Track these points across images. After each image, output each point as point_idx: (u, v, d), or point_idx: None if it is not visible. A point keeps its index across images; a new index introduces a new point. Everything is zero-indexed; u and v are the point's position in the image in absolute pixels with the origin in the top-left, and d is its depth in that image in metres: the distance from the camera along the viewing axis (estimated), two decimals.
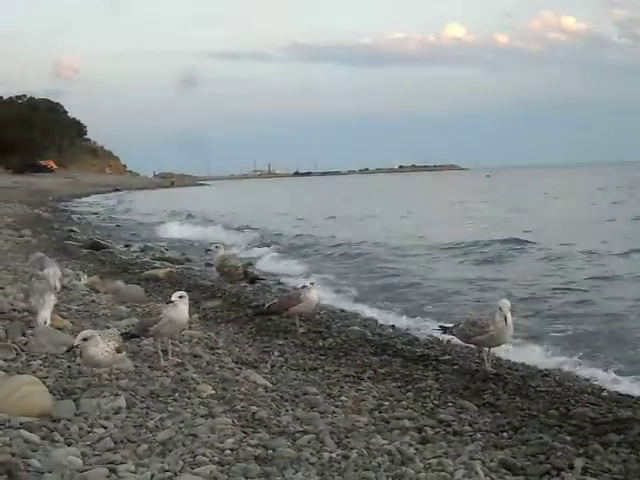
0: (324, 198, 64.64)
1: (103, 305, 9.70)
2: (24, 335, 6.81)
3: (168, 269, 14.93)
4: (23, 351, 6.37)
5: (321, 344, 9.19)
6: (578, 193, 56.35)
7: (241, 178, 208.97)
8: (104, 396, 5.37)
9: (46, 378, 5.63)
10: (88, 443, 4.54)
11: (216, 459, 4.48)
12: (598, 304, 12.56)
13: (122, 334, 6.27)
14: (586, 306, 12.44)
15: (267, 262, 18.63)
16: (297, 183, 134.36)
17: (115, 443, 4.58)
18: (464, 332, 8.05)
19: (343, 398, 6.73)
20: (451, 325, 8.53)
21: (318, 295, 10.04)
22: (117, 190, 78.29)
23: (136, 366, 6.47)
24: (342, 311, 11.89)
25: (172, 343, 7.19)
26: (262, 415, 5.56)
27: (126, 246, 21.51)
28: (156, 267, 15.54)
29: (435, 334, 9.64)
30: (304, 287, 9.69)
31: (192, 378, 6.35)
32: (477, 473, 4.79)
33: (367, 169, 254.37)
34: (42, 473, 3.88)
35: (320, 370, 7.87)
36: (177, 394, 5.82)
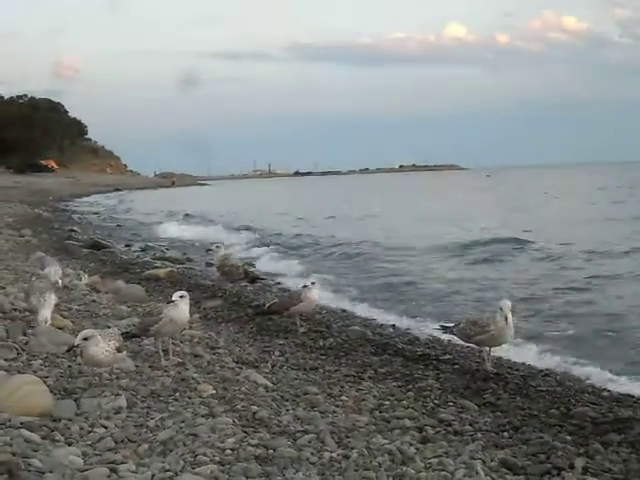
0: (324, 198, 64.65)
1: (104, 305, 9.70)
2: (25, 335, 6.82)
3: (169, 269, 14.94)
4: (24, 350, 6.38)
5: (322, 344, 9.20)
6: (578, 193, 56.36)
7: (241, 178, 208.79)
8: (105, 396, 5.37)
9: (47, 378, 5.63)
10: (89, 443, 4.55)
11: (217, 459, 4.48)
12: (598, 304, 12.57)
13: (123, 334, 6.27)
14: (587, 306, 12.45)
15: (267, 262, 18.64)
16: (297, 183, 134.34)
17: (116, 443, 4.58)
18: (465, 331, 8.05)
19: (344, 398, 6.73)
20: (451, 325, 8.54)
21: (318, 295, 10.04)
22: (118, 190, 78.25)
23: (137, 366, 6.47)
24: (343, 311, 11.91)
25: (173, 343, 7.19)
26: (263, 415, 5.56)
27: (127, 246, 21.53)
28: (157, 267, 15.55)
29: (435, 334, 9.64)
30: (305, 287, 9.69)
31: (193, 378, 6.35)
32: (478, 473, 4.79)
33: (367, 169, 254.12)
34: (43, 473, 3.88)
35: (321, 370, 7.88)
36: (178, 394, 5.82)
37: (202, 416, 5.31)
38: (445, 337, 9.30)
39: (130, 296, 10.81)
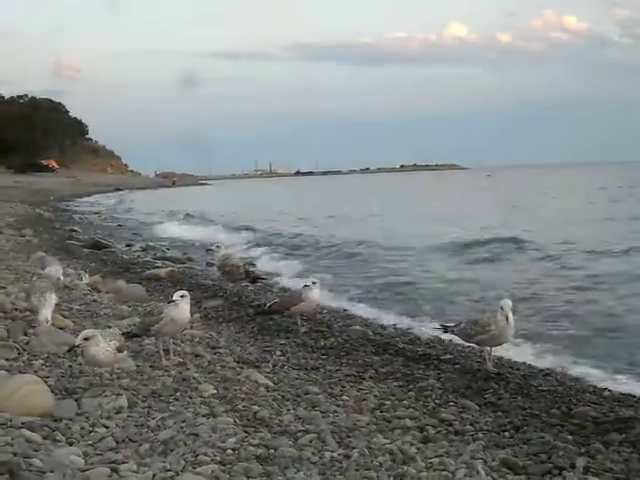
0: (325, 198, 64.63)
1: (105, 304, 9.71)
2: (26, 334, 6.82)
3: (169, 268, 14.94)
4: (25, 350, 6.38)
5: (323, 343, 9.19)
6: (578, 192, 56.31)
7: (242, 178, 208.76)
8: (106, 395, 5.38)
9: (48, 377, 5.63)
10: (90, 442, 4.55)
11: (218, 458, 4.48)
12: (599, 303, 12.56)
13: (124, 333, 6.28)
14: (587, 305, 12.44)
15: (267, 262, 18.64)
16: (298, 182, 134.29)
17: (117, 442, 4.59)
18: (466, 331, 8.05)
19: (345, 397, 6.73)
20: (452, 324, 8.54)
21: (319, 294, 10.04)
22: (119, 190, 78.24)
23: (138, 365, 6.47)
24: (344, 310, 11.91)
25: (174, 342, 7.20)
26: (264, 414, 5.56)
27: (128, 245, 21.54)
28: (157, 266, 15.55)
29: (436, 333, 9.63)
30: (305, 286, 9.68)
31: (194, 377, 6.36)
32: (479, 472, 4.79)
33: (368, 169, 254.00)
34: (44, 473, 3.88)
35: (322, 369, 7.87)
36: (179, 393, 5.83)
37: (203, 416, 5.31)
38: (446, 337, 9.29)
39: (131, 296, 10.81)
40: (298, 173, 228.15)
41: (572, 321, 11.10)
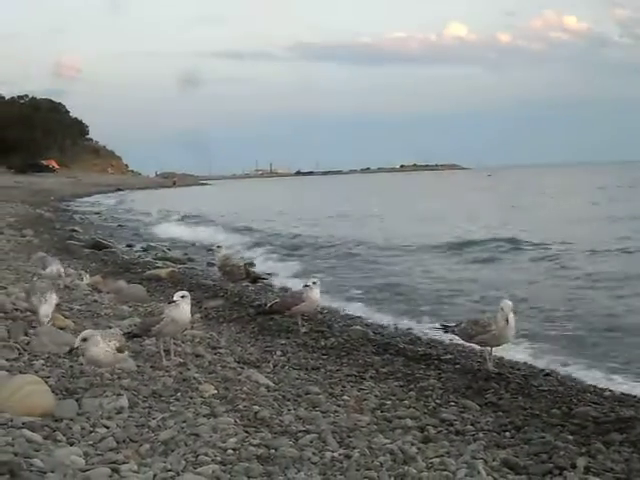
0: (325, 198, 64.64)
1: (105, 305, 9.70)
2: (26, 335, 6.82)
3: (170, 269, 14.94)
4: (25, 351, 6.38)
5: (323, 343, 9.19)
6: (578, 192, 56.33)
7: (243, 178, 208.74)
8: (106, 396, 5.38)
9: (48, 378, 5.63)
10: (90, 443, 4.55)
11: (218, 459, 4.48)
12: (599, 303, 12.56)
13: (124, 334, 6.28)
14: (588, 305, 12.44)
15: (267, 262, 18.65)
16: (299, 182, 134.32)
17: (117, 443, 4.58)
18: (466, 331, 8.05)
19: (345, 397, 6.73)
20: (453, 324, 8.54)
21: (320, 294, 10.03)
22: (119, 190, 78.27)
23: (138, 366, 6.47)
24: (344, 310, 11.90)
25: (174, 343, 7.19)
26: (264, 415, 5.56)
27: (128, 246, 21.55)
28: (158, 267, 15.56)
29: (436, 333, 9.63)
30: (306, 286, 9.68)
31: (194, 378, 6.35)
32: (479, 472, 4.79)
33: (369, 168, 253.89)
34: (44, 473, 3.88)
35: (322, 369, 7.88)
36: (179, 394, 5.82)
37: (204, 416, 5.31)
38: (446, 337, 9.29)
39: (131, 296, 10.81)
40: (299, 173, 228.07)
41: (572, 321, 11.10)
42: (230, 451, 4.62)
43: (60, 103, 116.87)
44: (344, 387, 7.18)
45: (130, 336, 6.70)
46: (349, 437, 5.35)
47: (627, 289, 13.77)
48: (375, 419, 6.09)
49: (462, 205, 44.05)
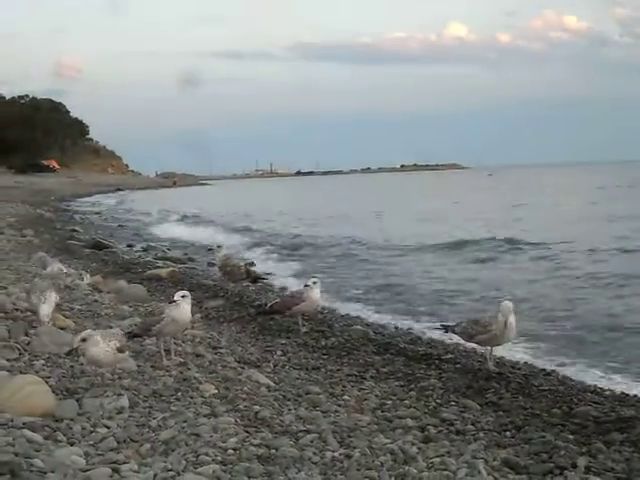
0: (325, 198, 64.63)
1: (106, 305, 9.70)
2: (27, 335, 6.82)
3: (170, 269, 14.93)
4: (26, 351, 6.37)
5: (324, 343, 9.19)
6: (578, 192, 56.33)
7: (243, 178, 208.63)
8: (107, 396, 5.37)
9: (49, 378, 5.63)
10: (91, 443, 4.55)
11: (219, 458, 4.48)
12: (600, 303, 12.57)
13: (125, 334, 6.27)
14: (588, 304, 12.45)
15: (268, 262, 18.66)
16: (299, 182, 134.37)
17: (118, 443, 4.58)
18: (466, 331, 8.05)
19: (346, 397, 6.73)
20: (453, 324, 8.54)
21: (320, 294, 10.04)
22: (119, 190, 78.27)
23: (139, 366, 6.47)
24: (344, 310, 11.91)
25: (175, 342, 7.19)
26: (265, 414, 5.56)
27: (129, 246, 21.56)
28: (158, 267, 15.55)
29: (437, 333, 9.64)
30: (307, 286, 9.67)
31: (195, 377, 6.35)
32: (480, 472, 4.79)
33: (369, 168, 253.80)
34: (45, 473, 3.88)
35: (323, 369, 7.87)
36: (180, 393, 5.82)
37: (204, 416, 5.31)
38: (446, 336, 9.30)
39: (132, 296, 10.81)
40: (299, 173, 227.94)
41: (572, 321, 11.11)
42: (231, 451, 4.62)
43: (60, 103, 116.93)
44: (345, 387, 7.18)
45: (130, 336, 6.69)
46: (350, 437, 5.35)
47: (627, 289, 13.78)
48: (376, 419, 6.08)
49: (462, 205, 44.06)
